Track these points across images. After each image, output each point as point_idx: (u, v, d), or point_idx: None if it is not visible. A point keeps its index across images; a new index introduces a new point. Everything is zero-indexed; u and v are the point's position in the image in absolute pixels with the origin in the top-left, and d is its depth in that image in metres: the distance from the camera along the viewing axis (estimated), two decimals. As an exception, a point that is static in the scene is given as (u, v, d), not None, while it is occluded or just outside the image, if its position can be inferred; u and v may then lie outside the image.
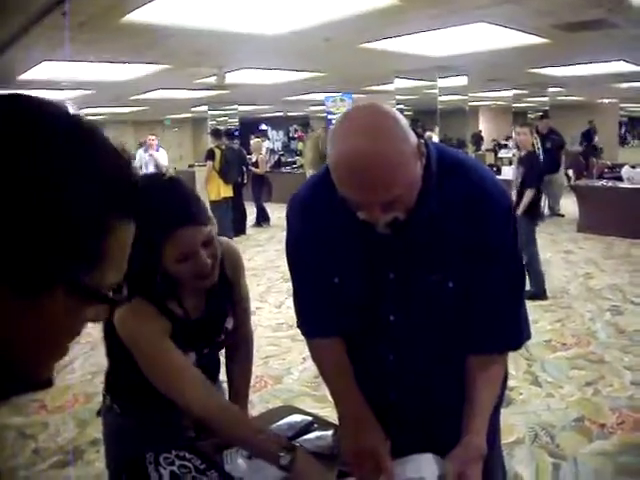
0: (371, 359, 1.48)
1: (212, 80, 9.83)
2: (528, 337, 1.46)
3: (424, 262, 1.35)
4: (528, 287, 5.81)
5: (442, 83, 10.81)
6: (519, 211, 5.74)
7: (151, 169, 9.19)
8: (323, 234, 1.41)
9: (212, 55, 7.84)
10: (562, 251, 8.07)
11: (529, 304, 5.05)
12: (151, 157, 9.56)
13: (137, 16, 5.39)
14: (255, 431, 1.49)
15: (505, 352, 1.45)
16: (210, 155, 9.11)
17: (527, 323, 1.46)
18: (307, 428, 1.76)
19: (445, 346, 1.43)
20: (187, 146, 21.16)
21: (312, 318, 1.54)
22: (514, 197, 6.01)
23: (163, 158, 9.70)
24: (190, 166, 18.88)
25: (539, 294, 5.81)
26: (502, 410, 3.41)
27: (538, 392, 3.85)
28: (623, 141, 20.13)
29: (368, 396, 1.45)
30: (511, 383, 3.94)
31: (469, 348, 1.40)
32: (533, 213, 5.94)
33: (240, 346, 1.88)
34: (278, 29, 6.39)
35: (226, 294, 1.73)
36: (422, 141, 1.26)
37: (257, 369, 4.20)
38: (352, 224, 1.29)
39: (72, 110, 0.60)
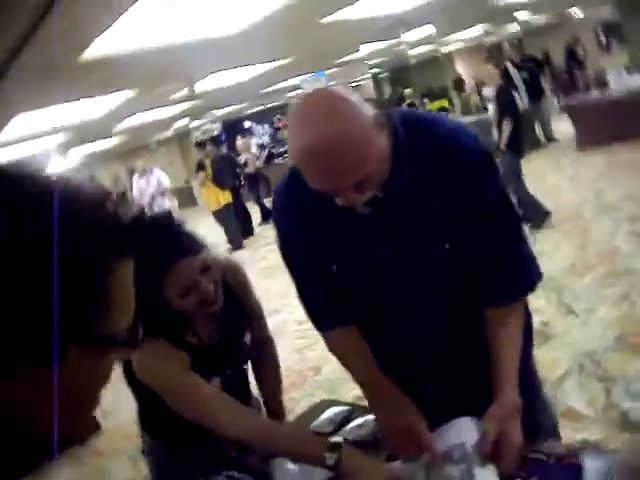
0: (389, 340, 1.46)
1: (184, 92, 9.79)
2: (539, 277, 1.42)
3: (414, 231, 1.32)
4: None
5: (409, 37, 10.67)
6: (502, 144, 5.83)
7: (151, 191, 8.88)
8: (309, 226, 1.39)
9: (176, 69, 7.79)
10: (567, 174, 7.97)
11: (546, 236, 5.05)
12: (148, 181, 9.17)
13: (92, 52, 5.36)
14: (294, 438, 1.49)
15: (519, 299, 1.41)
16: (200, 167, 9.08)
17: (535, 264, 1.42)
18: (347, 418, 1.75)
19: (458, 310, 1.40)
20: (177, 163, 21.13)
21: (321, 311, 1.52)
22: (495, 134, 6.09)
23: (164, 177, 9.34)
24: (186, 182, 18.89)
25: (541, 221, 5.81)
26: (544, 347, 3.46)
27: (574, 321, 3.82)
28: (608, 47, 19.74)
29: (394, 377, 1.44)
30: (546, 318, 3.94)
31: (481, 305, 1.38)
32: (516, 146, 5.95)
33: (262, 354, 1.88)
34: (235, 27, 6.33)
35: (237, 312, 1.72)
36: (381, 112, 1.23)
37: (294, 364, 4.22)
38: (334, 210, 1.27)
39: (45, 175, 0.58)
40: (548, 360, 3.40)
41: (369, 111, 1.18)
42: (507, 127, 5.90)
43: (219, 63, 8.46)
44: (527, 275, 1.40)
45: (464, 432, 1.31)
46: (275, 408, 1.84)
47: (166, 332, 1.53)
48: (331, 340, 1.53)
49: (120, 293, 0.59)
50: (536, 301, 4.26)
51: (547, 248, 5.32)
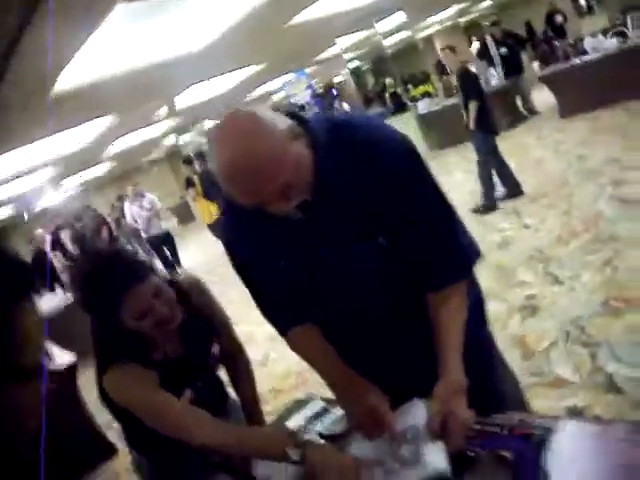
0: (347, 335, 1.54)
1: (165, 110, 9.87)
2: (478, 255, 1.49)
3: (346, 230, 1.39)
4: (503, 191, 6.34)
5: (382, 27, 10.71)
6: (471, 126, 6.09)
7: (145, 214, 8.98)
8: (256, 244, 1.47)
9: (153, 87, 7.87)
10: (551, 145, 7.98)
11: (530, 208, 5.11)
12: (141, 205, 9.23)
13: (64, 84, 5.43)
14: (260, 439, 1.56)
15: (458, 281, 1.47)
16: (189, 183, 9.17)
17: (472, 247, 1.49)
18: (322, 414, 1.82)
19: (401, 297, 1.48)
20: (170, 181, 21.24)
21: (278, 316, 1.60)
22: (464, 116, 6.29)
23: (155, 199, 9.40)
24: (181, 198, 18.98)
25: (515, 192, 6.23)
26: (532, 319, 3.52)
27: (561, 290, 3.86)
28: (590, 10, 19.62)
29: (355, 364, 1.51)
30: (533, 290, 3.99)
31: (423, 290, 1.45)
32: (486, 125, 6.13)
33: (234, 364, 1.96)
34: (207, 39, 6.41)
35: (200, 324, 1.80)
36: (295, 121, 1.30)
37: (294, 366, 4.27)
38: (272, 221, 1.35)
39: None
40: (536, 332, 3.47)
41: (283, 124, 1.25)
42: (473, 108, 6.05)
43: (194, 76, 8.54)
44: (462, 260, 1.47)
45: (416, 413, 1.39)
46: (253, 413, 1.93)
47: (132, 354, 1.61)
48: (291, 340, 1.61)
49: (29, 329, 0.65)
50: (523, 275, 4.32)
51: (532, 222, 5.37)
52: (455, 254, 1.45)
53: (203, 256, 11.16)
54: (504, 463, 1.27)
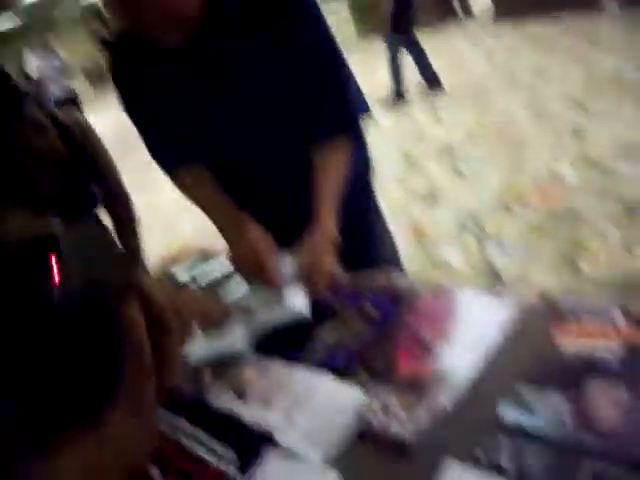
0: (237, 184, 1.49)
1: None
2: (366, 112, 1.49)
3: (238, 73, 1.32)
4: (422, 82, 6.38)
5: None
6: (385, 25, 6.11)
7: (51, 72, 8.46)
8: (140, 72, 1.38)
9: None
10: (479, 48, 7.93)
11: (447, 104, 5.13)
12: (49, 61, 8.63)
13: None
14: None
15: (340, 134, 1.43)
16: (103, 44, 8.59)
17: (360, 101, 1.49)
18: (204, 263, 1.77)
19: (294, 149, 1.43)
20: (84, 40, 19.82)
21: (167, 151, 1.51)
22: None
23: (62, 57, 8.84)
24: (94, 59, 17.80)
25: (433, 86, 6.31)
26: (432, 209, 3.59)
27: (464, 185, 3.92)
28: None
29: (247, 209, 1.46)
30: (437, 182, 4.04)
31: (309, 140, 1.41)
32: (403, 23, 6.07)
33: (115, 207, 1.92)
34: None
35: (82, 163, 1.76)
36: None
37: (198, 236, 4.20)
38: (159, 57, 1.29)
39: None
40: (434, 221, 3.53)
41: None
42: (387, 5, 6.00)
43: None
44: (349, 111, 1.43)
45: (285, 262, 1.38)
46: (132, 254, 1.91)
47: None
48: (178, 179, 1.53)
49: None
50: (430, 167, 4.36)
51: (447, 116, 5.40)
52: (342, 105, 1.41)
53: (113, 121, 10.60)
54: (370, 320, 1.27)
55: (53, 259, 0.39)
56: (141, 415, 0.43)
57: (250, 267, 1.39)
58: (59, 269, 0.39)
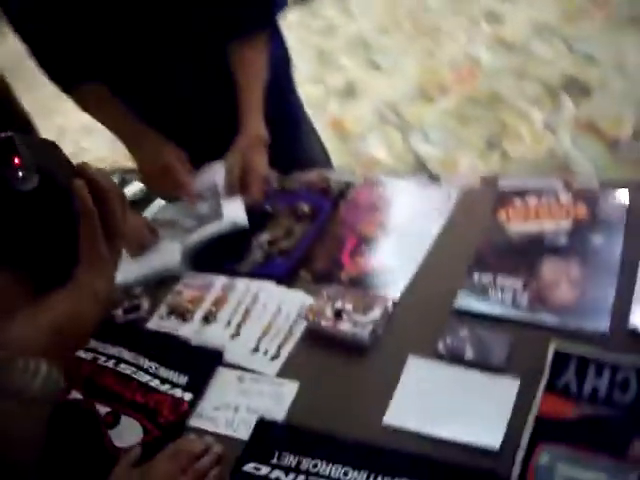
0: (147, 94, 1.34)
1: None
2: (282, 7, 1.39)
3: None
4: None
5: None
6: None
7: None
8: None
9: None
10: None
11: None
12: None
13: None
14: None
15: (259, 31, 1.33)
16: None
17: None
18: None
19: (209, 49, 1.31)
20: None
21: (65, 67, 1.32)
22: None
23: None
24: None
25: None
26: (349, 103, 3.50)
27: (380, 76, 3.81)
28: None
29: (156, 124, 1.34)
30: (354, 76, 3.92)
31: (226, 39, 1.30)
32: None
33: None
34: None
35: None
36: None
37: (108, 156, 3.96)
38: None
39: None
40: (354, 115, 3.44)
41: None
42: None
43: None
44: (268, 9, 1.34)
45: (215, 173, 1.33)
46: None
47: None
48: (80, 98, 1.37)
49: None
50: (345, 60, 4.23)
51: (358, 10, 5.20)
52: (259, 4, 1.31)
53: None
54: (305, 218, 1.26)
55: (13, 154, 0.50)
56: (100, 267, 0.57)
57: (163, 184, 1.32)
58: (19, 161, 0.50)
